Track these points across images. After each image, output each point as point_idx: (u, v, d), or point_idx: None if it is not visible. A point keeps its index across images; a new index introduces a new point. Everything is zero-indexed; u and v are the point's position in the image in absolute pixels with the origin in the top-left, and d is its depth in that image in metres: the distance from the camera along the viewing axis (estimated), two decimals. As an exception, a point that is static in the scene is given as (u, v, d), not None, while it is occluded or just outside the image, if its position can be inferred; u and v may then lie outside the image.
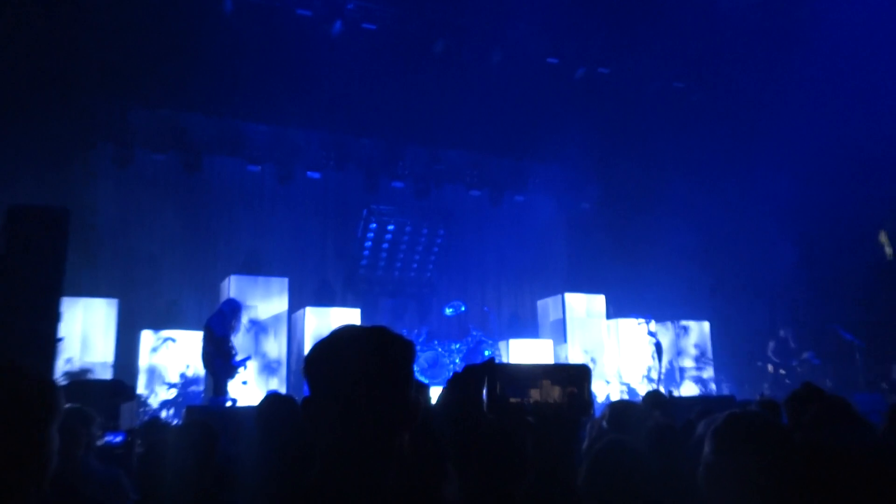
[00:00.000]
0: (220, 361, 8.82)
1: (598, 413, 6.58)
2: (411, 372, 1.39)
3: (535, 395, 1.53)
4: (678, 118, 13.47)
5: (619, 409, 3.91)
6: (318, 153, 13.27)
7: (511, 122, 13.02)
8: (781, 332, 12.69)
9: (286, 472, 2.84)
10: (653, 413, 5.20)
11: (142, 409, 9.91)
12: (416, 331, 12.83)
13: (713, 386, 13.49)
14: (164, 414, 9.82)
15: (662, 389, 11.65)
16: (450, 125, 12.63)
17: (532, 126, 13.06)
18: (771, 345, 12.66)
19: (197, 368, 10.44)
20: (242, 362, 9.17)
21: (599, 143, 13.14)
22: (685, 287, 13.63)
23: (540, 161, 14.47)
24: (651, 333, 11.28)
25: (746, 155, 13.82)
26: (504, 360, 12.92)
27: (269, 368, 11.14)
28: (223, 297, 10.70)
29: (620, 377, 13.19)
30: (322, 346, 1.39)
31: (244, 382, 9.54)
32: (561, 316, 13.35)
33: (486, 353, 12.64)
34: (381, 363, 1.31)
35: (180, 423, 8.35)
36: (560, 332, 13.33)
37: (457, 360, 12.51)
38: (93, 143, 11.66)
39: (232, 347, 8.97)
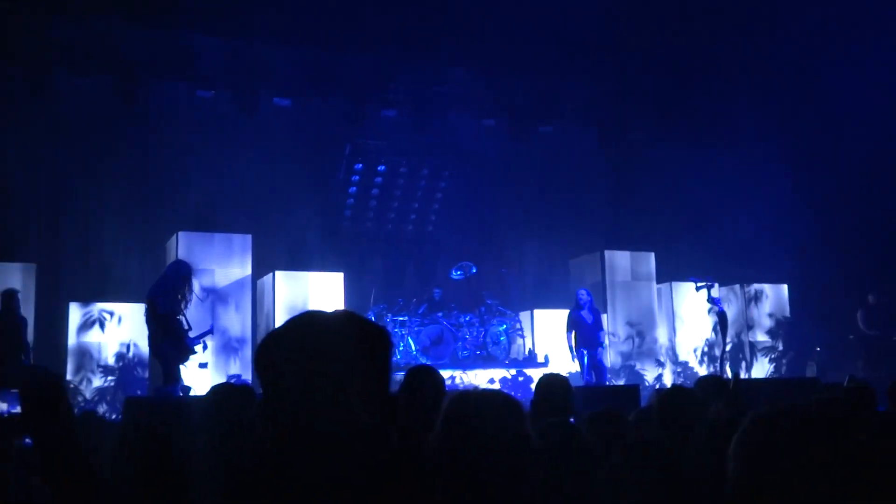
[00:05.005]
0: (168, 341, 8.86)
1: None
2: (388, 369, 1.46)
3: None
4: (757, 23, 13.06)
5: (670, 400, 3.88)
6: (288, 74, 13.06)
7: (533, 29, 12.65)
8: (870, 298, 12.73)
9: (250, 481, 2.85)
10: (711, 404, 5.17)
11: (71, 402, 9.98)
12: (414, 300, 12.84)
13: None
14: (99, 408, 9.86)
15: (729, 371, 11.73)
16: (455, 35, 12.39)
17: (561, 33, 12.71)
18: (860, 314, 12.72)
19: (139, 349, 10.50)
20: (199, 339, 9.21)
21: (651, 55, 12.86)
22: (757, 242, 13.56)
23: (573, 80, 14.15)
24: (713, 300, 11.23)
25: (835, 71, 13.54)
26: (526, 335, 12.95)
27: (230, 348, 11.18)
28: (170, 260, 10.64)
29: (675, 356, 13.22)
30: (277, 338, 1.43)
31: (202, 365, 9.56)
32: (600, 279, 13.34)
33: (502, 328, 12.62)
34: (355, 358, 1.38)
35: (120, 419, 8.43)
36: (599, 298, 13.21)
37: (466, 336, 12.53)
38: (-3, 64, 11.46)
39: (181, 323, 9.00)
